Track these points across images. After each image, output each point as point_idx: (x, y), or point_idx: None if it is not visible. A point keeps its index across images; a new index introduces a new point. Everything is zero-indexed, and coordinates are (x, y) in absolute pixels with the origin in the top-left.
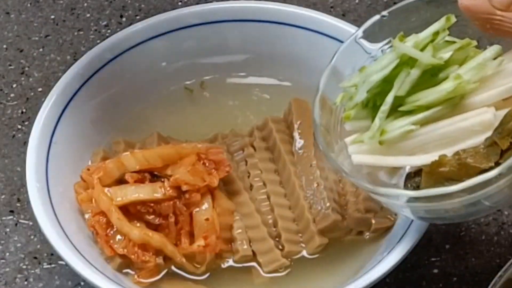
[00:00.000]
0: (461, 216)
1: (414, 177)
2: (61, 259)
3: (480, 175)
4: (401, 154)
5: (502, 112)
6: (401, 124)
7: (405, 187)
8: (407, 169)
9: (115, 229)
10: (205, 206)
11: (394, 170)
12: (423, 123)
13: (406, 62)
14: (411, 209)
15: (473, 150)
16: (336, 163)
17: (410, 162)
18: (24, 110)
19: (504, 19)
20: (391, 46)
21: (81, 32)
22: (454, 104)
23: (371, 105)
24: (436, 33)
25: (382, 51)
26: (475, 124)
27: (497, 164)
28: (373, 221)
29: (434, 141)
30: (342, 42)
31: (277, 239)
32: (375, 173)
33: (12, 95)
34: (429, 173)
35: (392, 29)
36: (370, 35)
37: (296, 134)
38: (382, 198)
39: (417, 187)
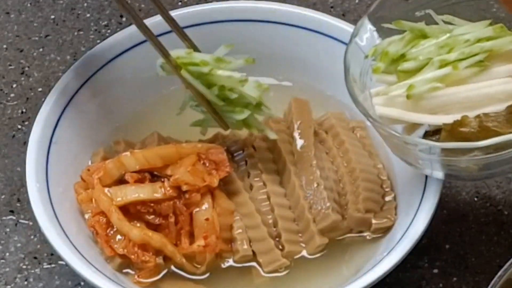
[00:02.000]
0: (475, 176)
1: (433, 135)
2: (61, 259)
3: (502, 136)
4: (423, 112)
5: None
6: (429, 79)
7: None
8: (425, 127)
9: (115, 229)
10: (205, 206)
11: (412, 127)
12: (449, 82)
13: None
14: (429, 162)
15: (495, 115)
16: (364, 108)
17: (433, 120)
18: (24, 110)
19: None
20: None
21: (81, 32)
22: (481, 67)
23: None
24: None
25: None
26: (498, 92)
27: None
28: (373, 221)
29: (456, 103)
30: (342, 42)
31: (277, 239)
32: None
33: (12, 95)
34: (450, 132)
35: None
36: None
37: (296, 134)
38: (402, 148)
39: None
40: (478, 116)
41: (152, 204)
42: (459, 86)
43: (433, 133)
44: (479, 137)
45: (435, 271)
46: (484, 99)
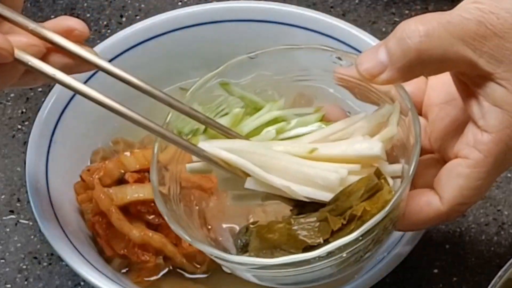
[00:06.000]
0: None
1: (245, 233)
2: (61, 259)
3: (299, 254)
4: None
5: (354, 178)
6: None
7: (235, 241)
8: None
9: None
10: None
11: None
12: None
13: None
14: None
15: (306, 223)
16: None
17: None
18: (24, 110)
19: (371, 88)
20: None
21: None
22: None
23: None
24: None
25: None
26: (318, 177)
27: (326, 241)
28: None
29: (277, 170)
30: (342, 42)
31: None
32: None
33: (12, 95)
34: (258, 237)
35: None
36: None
37: None
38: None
39: (246, 245)
40: (288, 222)
41: (152, 204)
42: (290, 156)
43: (246, 230)
44: (288, 245)
45: (435, 271)
46: (308, 180)
